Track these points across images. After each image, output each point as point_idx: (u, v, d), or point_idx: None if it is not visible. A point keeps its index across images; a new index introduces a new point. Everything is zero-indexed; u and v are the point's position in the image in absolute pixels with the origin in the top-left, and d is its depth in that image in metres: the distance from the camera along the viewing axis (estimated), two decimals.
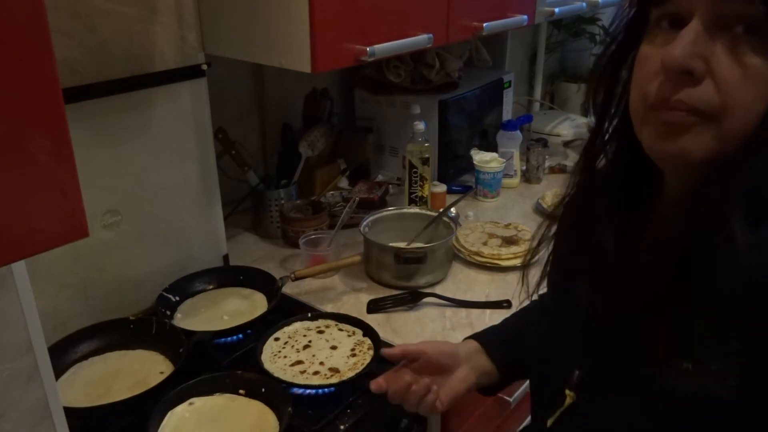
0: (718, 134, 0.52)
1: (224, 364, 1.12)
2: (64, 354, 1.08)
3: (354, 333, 1.16)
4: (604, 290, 0.62)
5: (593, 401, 0.64)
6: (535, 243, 0.75)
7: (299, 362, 1.08)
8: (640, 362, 0.57)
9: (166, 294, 1.25)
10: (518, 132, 1.88)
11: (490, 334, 0.93)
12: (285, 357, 1.09)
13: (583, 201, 0.68)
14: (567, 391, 0.66)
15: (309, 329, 1.17)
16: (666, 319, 0.54)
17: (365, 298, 1.31)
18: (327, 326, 1.18)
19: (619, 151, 0.65)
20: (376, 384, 0.85)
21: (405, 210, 1.52)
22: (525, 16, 1.55)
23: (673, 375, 0.53)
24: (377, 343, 1.11)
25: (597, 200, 0.66)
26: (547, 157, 1.96)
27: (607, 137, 0.65)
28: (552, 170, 1.99)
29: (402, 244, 1.41)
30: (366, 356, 1.09)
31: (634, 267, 0.57)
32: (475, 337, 0.93)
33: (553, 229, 0.73)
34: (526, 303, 0.84)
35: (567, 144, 2.19)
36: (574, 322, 0.67)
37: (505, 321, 0.99)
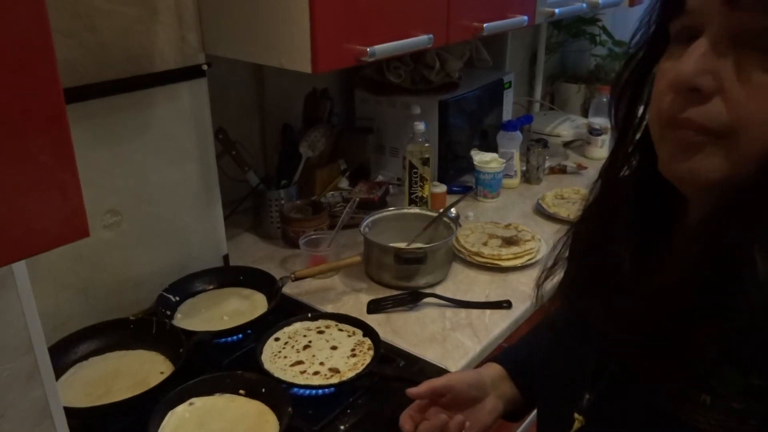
0: (729, 155, 0.50)
1: (224, 364, 1.12)
2: (64, 354, 1.08)
3: (354, 333, 1.16)
4: (619, 314, 0.59)
5: (602, 427, 0.62)
6: (550, 262, 0.71)
7: (299, 362, 1.08)
8: (654, 391, 0.54)
9: (166, 294, 1.25)
10: (518, 132, 1.88)
11: (512, 357, 0.90)
12: (285, 357, 1.09)
13: (601, 218, 0.65)
14: (576, 415, 0.64)
15: (309, 329, 1.17)
16: (684, 346, 0.51)
17: (365, 298, 1.31)
18: (327, 326, 1.18)
19: (641, 167, 0.62)
20: (405, 427, 0.82)
21: (405, 210, 1.52)
22: (525, 17, 1.55)
23: (689, 407, 0.51)
24: (377, 343, 1.11)
25: (616, 218, 0.63)
26: (547, 157, 1.96)
27: (630, 150, 0.63)
28: (552, 171, 1.99)
29: (402, 245, 1.41)
30: (366, 356, 1.09)
31: (652, 292, 0.54)
32: (498, 360, 0.90)
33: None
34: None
35: (567, 144, 2.19)
36: (587, 345, 0.65)
37: (522, 340, 0.95)
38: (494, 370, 0.88)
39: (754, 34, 0.47)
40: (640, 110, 0.61)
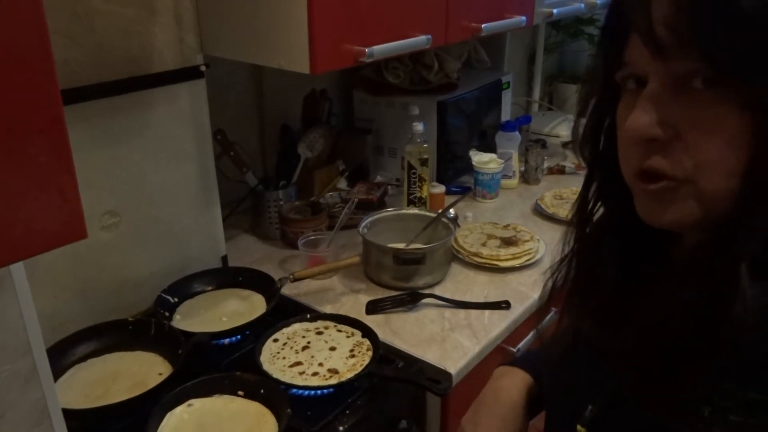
0: (699, 197, 0.50)
1: (223, 365, 1.12)
2: (62, 355, 1.08)
3: (353, 334, 1.16)
4: (614, 335, 0.59)
5: None
6: (550, 284, 0.71)
7: (298, 363, 1.08)
8: (652, 404, 0.54)
9: (164, 295, 1.25)
10: (517, 133, 1.88)
11: (533, 362, 0.87)
12: (284, 358, 1.09)
13: (589, 248, 0.66)
14: (579, 427, 0.64)
15: (308, 330, 1.17)
16: (681, 372, 0.52)
17: (364, 299, 1.31)
18: (326, 327, 1.18)
19: (617, 206, 0.63)
20: None
21: (404, 211, 1.52)
22: (523, 17, 1.56)
23: (689, 420, 0.51)
24: (376, 344, 1.11)
25: (603, 247, 0.64)
26: (545, 158, 1.97)
27: (601, 188, 0.64)
28: (551, 171, 1.99)
29: (401, 245, 1.41)
30: (365, 357, 1.09)
31: (647, 323, 0.55)
32: (519, 364, 0.86)
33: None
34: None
35: (566, 145, 2.19)
36: (592, 358, 0.65)
37: (535, 350, 0.92)
38: (519, 385, 0.83)
39: (690, 78, 0.48)
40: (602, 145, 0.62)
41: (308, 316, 1.20)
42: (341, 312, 1.25)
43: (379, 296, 1.31)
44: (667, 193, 0.52)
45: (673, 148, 0.50)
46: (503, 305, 1.29)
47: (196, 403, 0.98)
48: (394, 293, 1.32)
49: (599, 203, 0.65)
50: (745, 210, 0.48)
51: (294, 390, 1.03)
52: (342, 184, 1.75)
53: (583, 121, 0.63)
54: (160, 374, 1.06)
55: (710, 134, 0.49)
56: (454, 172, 1.88)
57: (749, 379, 0.49)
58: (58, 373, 1.05)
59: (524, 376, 0.82)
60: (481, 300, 1.31)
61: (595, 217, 0.66)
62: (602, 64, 0.58)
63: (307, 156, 1.61)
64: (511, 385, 0.81)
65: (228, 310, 1.25)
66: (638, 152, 0.53)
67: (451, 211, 1.52)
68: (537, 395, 0.81)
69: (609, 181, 0.62)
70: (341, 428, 0.98)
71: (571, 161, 2.07)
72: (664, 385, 0.53)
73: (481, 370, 1.17)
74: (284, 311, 1.24)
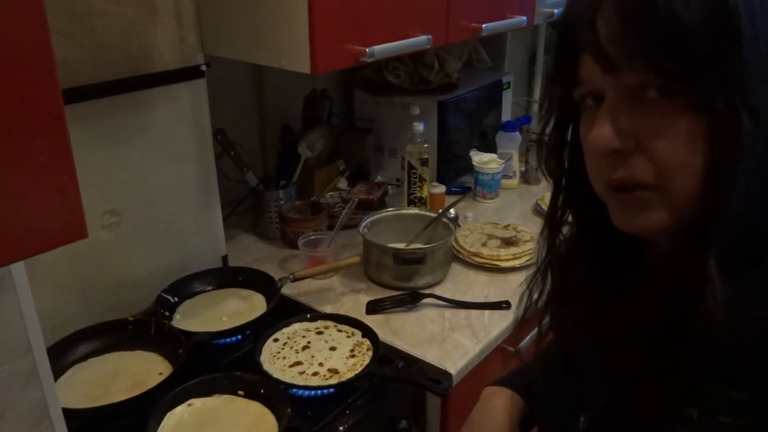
0: (667, 202, 0.52)
1: (223, 365, 1.12)
2: (63, 355, 1.08)
3: (353, 334, 1.15)
4: (596, 343, 0.61)
5: None
6: (526, 297, 0.72)
7: (298, 363, 1.08)
8: (643, 410, 0.55)
9: (165, 295, 1.25)
10: (517, 133, 1.88)
11: (518, 381, 0.87)
12: (284, 358, 1.09)
13: (563, 258, 0.68)
14: None
15: (308, 330, 1.17)
16: (664, 363, 0.53)
17: (364, 299, 1.31)
18: (326, 327, 1.18)
19: (589, 215, 0.64)
20: None
21: (404, 211, 1.52)
22: (524, 17, 1.56)
23: (678, 423, 0.52)
24: (376, 344, 1.11)
25: (576, 256, 0.66)
26: None
27: (568, 199, 0.66)
28: None
29: (401, 245, 1.41)
30: (365, 357, 1.09)
31: (627, 328, 0.57)
32: (504, 383, 0.86)
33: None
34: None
35: None
36: (583, 368, 0.66)
37: (523, 367, 0.91)
38: (508, 405, 0.83)
39: (643, 89, 0.51)
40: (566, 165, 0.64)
41: (308, 315, 1.20)
42: (341, 312, 1.25)
43: (380, 296, 1.31)
44: (640, 201, 0.54)
45: (637, 158, 0.52)
46: (503, 305, 1.29)
47: (196, 402, 0.98)
48: (394, 293, 1.32)
49: (567, 213, 0.66)
50: (709, 209, 0.50)
51: (294, 390, 1.03)
52: (342, 184, 1.75)
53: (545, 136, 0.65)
54: (160, 374, 1.06)
55: (669, 140, 0.51)
56: (455, 172, 1.88)
57: (734, 379, 0.50)
58: (58, 372, 1.05)
59: (512, 395, 0.83)
60: (482, 300, 1.31)
61: (565, 228, 0.68)
62: (559, 84, 0.60)
63: (307, 156, 1.61)
64: (500, 406, 0.82)
65: (228, 310, 1.25)
66: (605, 165, 0.55)
67: (452, 211, 1.52)
68: (527, 414, 0.82)
69: (576, 192, 0.64)
70: (341, 428, 0.98)
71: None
72: (649, 387, 0.54)
73: (481, 370, 1.17)
74: (284, 311, 1.24)
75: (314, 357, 1.09)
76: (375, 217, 1.47)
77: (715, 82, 0.48)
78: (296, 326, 1.18)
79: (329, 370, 1.06)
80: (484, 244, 1.48)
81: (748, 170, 0.49)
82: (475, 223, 1.60)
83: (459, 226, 1.52)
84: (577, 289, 0.66)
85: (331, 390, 1.03)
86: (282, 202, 1.55)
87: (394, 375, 1.07)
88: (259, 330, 1.16)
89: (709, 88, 0.48)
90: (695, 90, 0.49)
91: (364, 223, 1.43)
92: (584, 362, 0.65)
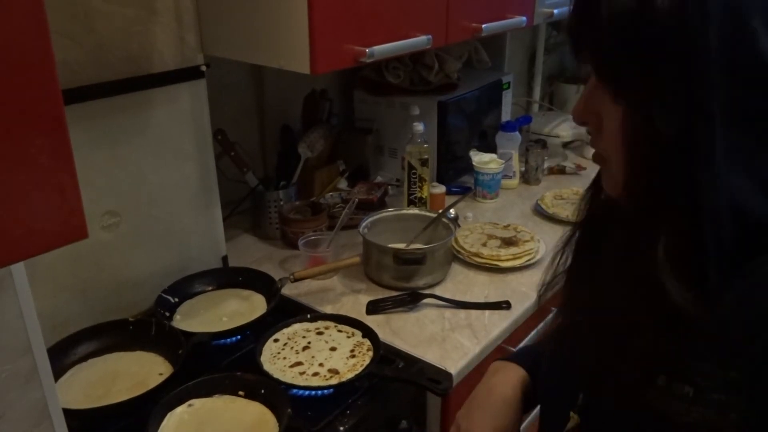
0: (612, 178, 0.58)
1: (223, 365, 1.12)
2: (63, 355, 1.08)
3: (353, 334, 1.15)
4: (596, 323, 0.63)
5: (595, 425, 0.64)
6: (549, 276, 0.74)
7: (298, 363, 1.08)
8: (640, 387, 0.56)
9: (165, 295, 1.25)
10: (517, 133, 1.88)
11: (529, 357, 0.88)
12: (284, 358, 1.09)
13: (583, 239, 0.71)
14: (572, 414, 0.66)
15: (308, 330, 1.17)
16: (665, 342, 0.54)
17: (364, 299, 1.31)
18: (326, 327, 1.18)
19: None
20: None
21: (404, 211, 1.52)
22: (524, 18, 1.56)
23: (673, 401, 0.53)
24: (376, 344, 1.11)
25: (590, 237, 0.69)
26: (546, 158, 1.97)
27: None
28: (551, 171, 1.99)
29: (401, 245, 1.41)
30: (365, 357, 1.09)
31: (594, 300, 0.61)
32: (516, 359, 0.87)
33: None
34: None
35: (566, 145, 2.19)
36: (579, 347, 0.67)
37: (532, 345, 0.95)
38: (513, 380, 0.84)
39: (598, 71, 0.55)
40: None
41: (308, 316, 1.20)
42: (341, 312, 1.24)
43: (380, 296, 1.31)
44: (603, 171, 0.61)
45: (597, 136, 0.59)
46: (503, 305, 1.29)
47: (197, 403, 0.98)
48: (394, 293, 1.32)
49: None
50: (632, 195, 0.55)
51: (294, 390, 1.03)
52: (342, 184, 1.75)
53: None
54: (161, 374, 1.06)
55: (609, 124, 0.56)
56: (455, 172, 1.88)
57: (729, 360, 0.52)
58: (58, 373, 1.05)
59: (519, 371, 0.83)
60: (482, 300, 1.31)
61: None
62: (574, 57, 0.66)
63: (307, 156, 1.61)
64: (505, 380, 0.82)
65: (228, 310, 1.25)
66: (587, 133, 0.62)
67: (452, 211, 1.52)
68: (532, 390, 0.82)
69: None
70: (342, 428, 0.98)
71: (571, 161, 2.07)
72: (622, 360, 0.56)
73: (481, 371, 1.16)
74: (284, 311, 1.24)
75: (314, 357, 1.09)
76: (375, 217, 1.47)
77: (631, 77, 0.52)
78: (296, 326, 1.18)
79: (329, 371, 1.06)
80: (484, 244, 1.48)
81: (673, 165, 0.51)
82: (475, 223, 1.60)
83: (459, 226, 1.52)
84: (585, 268, 0.68)
85: (332, 390, 1.03)
86: (282, 203, 1.55)
87: (394, 375, 1.07)
88: (259, 330, 1.16)
89: (626, 79, 0.52)
90: (612, 82, 0.54)
91: (364, 224, 1.43)
92: (582, 340, 0.67)
